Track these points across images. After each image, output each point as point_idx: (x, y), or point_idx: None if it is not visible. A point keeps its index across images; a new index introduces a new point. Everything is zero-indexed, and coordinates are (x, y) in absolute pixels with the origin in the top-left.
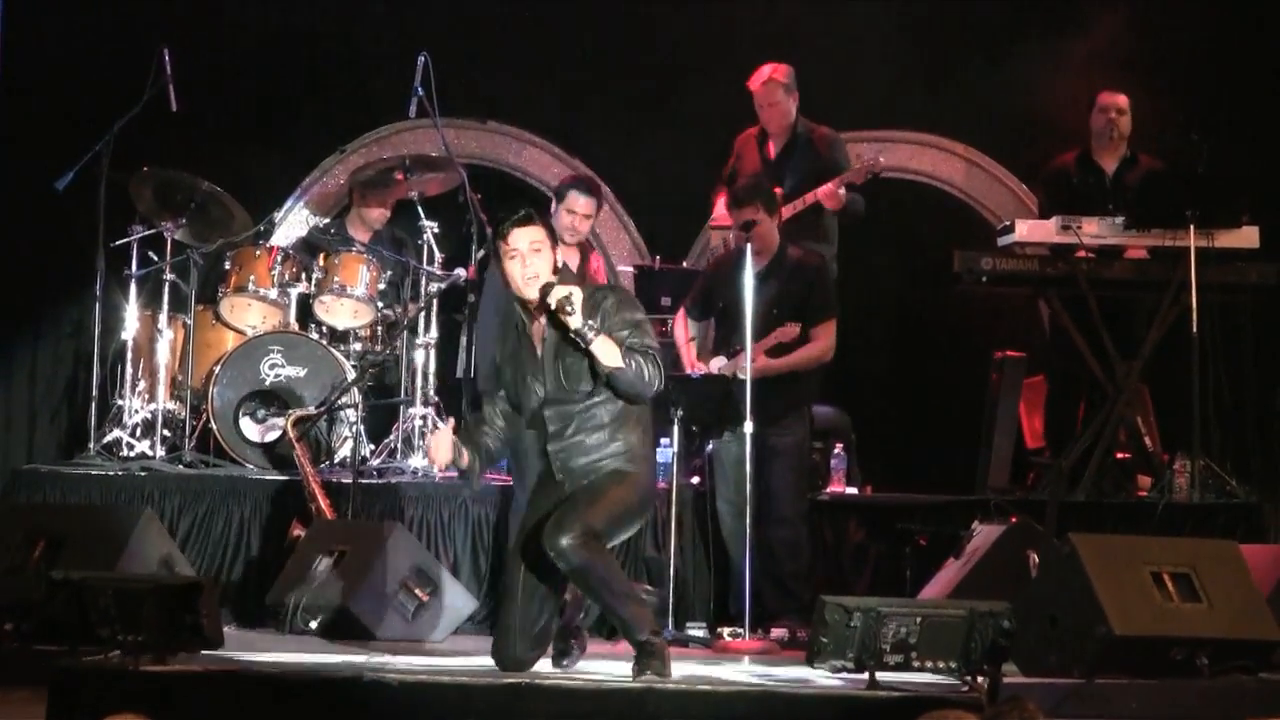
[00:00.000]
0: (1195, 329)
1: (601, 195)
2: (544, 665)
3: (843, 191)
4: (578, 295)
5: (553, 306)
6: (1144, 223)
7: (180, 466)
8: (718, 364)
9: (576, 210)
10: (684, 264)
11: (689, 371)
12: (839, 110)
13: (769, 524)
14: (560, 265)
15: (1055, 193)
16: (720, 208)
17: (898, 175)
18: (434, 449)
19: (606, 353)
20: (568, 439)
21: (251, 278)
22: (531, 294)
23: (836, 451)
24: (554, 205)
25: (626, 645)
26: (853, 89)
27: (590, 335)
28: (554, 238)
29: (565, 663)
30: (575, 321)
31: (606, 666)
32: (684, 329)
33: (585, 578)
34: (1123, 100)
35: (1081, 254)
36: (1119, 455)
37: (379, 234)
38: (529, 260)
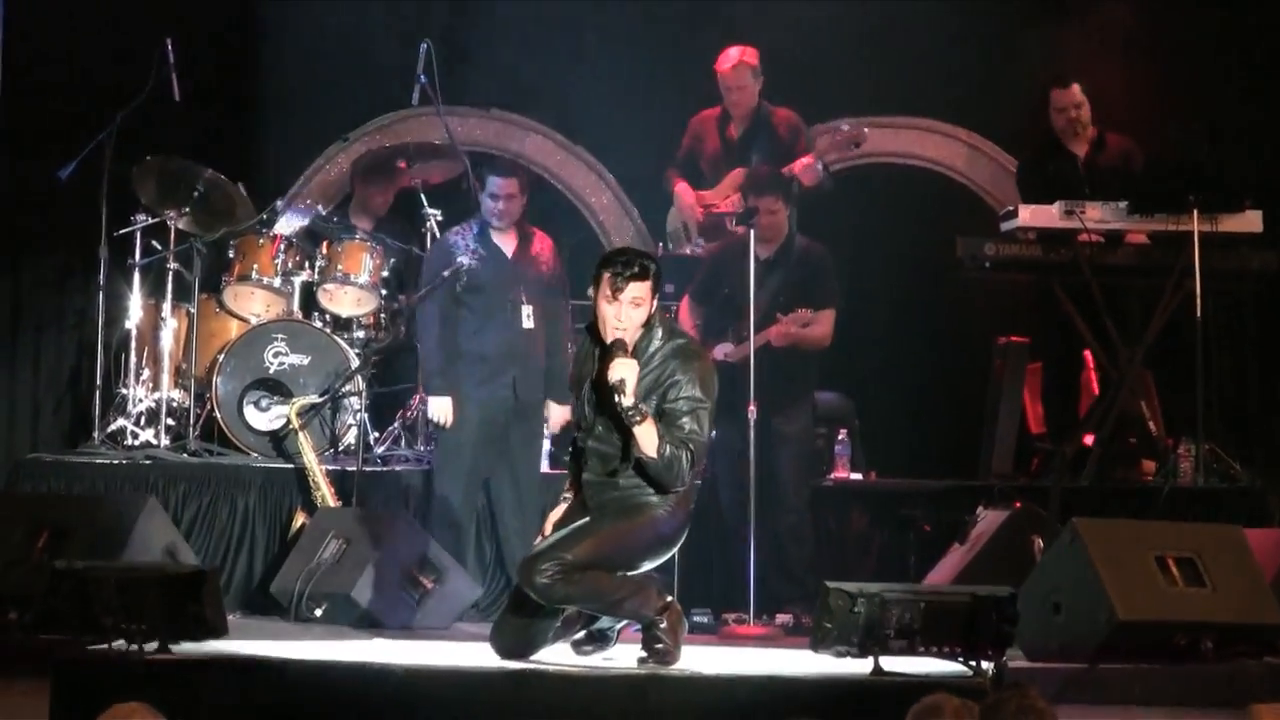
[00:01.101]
0: (1199, 313)
1: (521, 172)
2: (554, 652)
3: (820, 166)
4: (631, 377)
5: (609, 380)
6: (1147, 208)
7: (184, 455)
8: (724, 350)
9: (498, 193)
10: (686, 251)
11: None
12: (840, 95)
13: (773, 511)
14: (648, 320)
15: (1030, 183)
16: (687, 195)
17: (900, 161)
18: (546, 530)
19: (645, 439)
20: (603, 477)
21: (255, 266)
22: (607, 339)
23: (840, 438)
24: (480, 191)
25: (633, 631)
26: (854, 74)
27: (636, 419)
28: (655, 292)
29: (586, 650)
30: (626, 402)
31: (615, 653)
32: (689, 316)
33: (573, 605)
34: (1076, 93)
35: (1084, 239)
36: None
37: (381, 222)
38: (624, 312)
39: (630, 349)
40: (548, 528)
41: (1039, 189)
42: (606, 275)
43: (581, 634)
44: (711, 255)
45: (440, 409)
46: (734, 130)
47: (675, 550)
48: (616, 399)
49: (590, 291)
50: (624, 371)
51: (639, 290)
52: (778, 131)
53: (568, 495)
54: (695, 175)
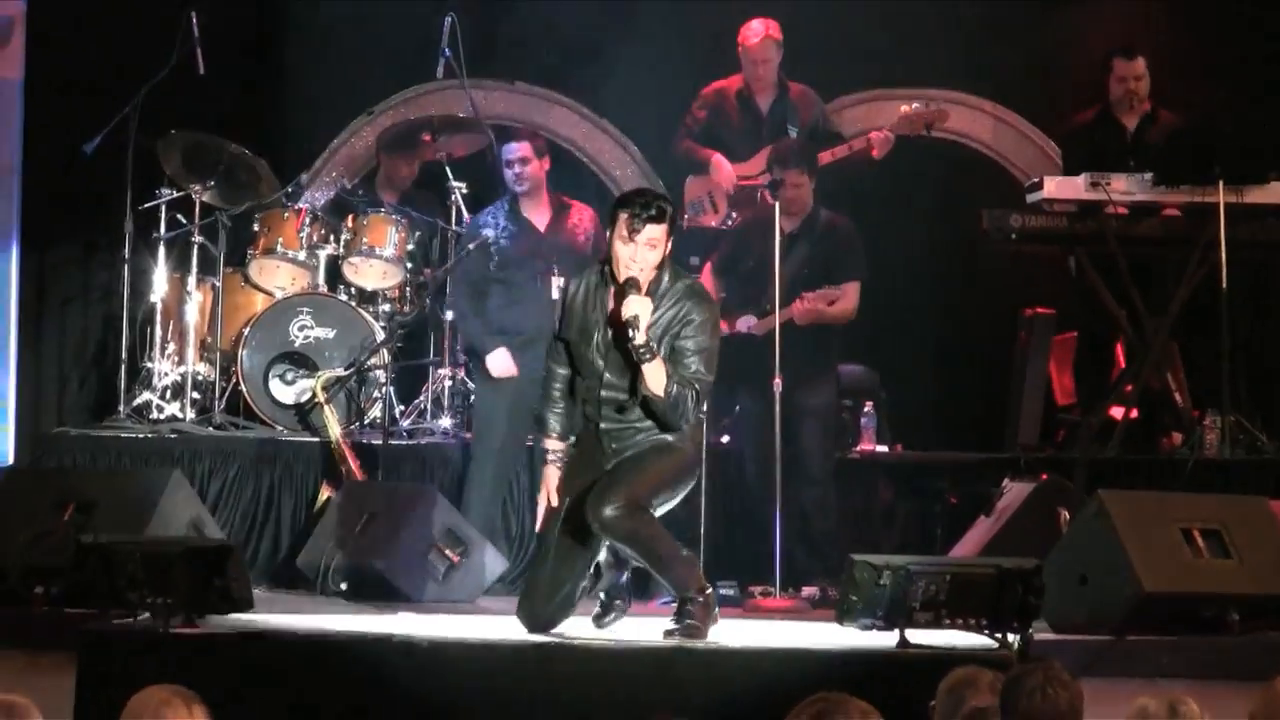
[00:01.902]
0: (1224, 285)
1: (535, 138)
2: (578, 626)
3: (894, 139)
4: (645, 315)
5: (623, 316)
6: (1172, 180)
7: (210, 429)
8: (747, 323)
9: (511, 158)
10: (712, 223)
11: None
12: (866, 68)
13: (798, 484)
14: (661, 263)
15: (1075, 151)
16: (724, 166)
17: (925, 133)
18: (552, 493)
19: (654, 378)
20: (620, 421)
21: (280, 240)
22: (620, 278)
23: (866, 410)
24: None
25: (659, 606)
26: (880, 47)
27: (646, 356)
28: (670, 235)
29: (606, 621)
30: (637, 339)
31: (640, 626)
32: (710, 288)
33: (631, 546)
34: (1140, 65)
35: (1110, 211)
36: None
37: (406, 195)
38: (639, 254)
39: (644, 289)
40: (551, 495)
41: (1085, 159)
42: (624, 216)
43: (597, 607)
44: (736, 227)
45: (499, 362)
46: (760, 104)
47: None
48: (631, 334)
49: (606, 232)
50: (638, 308)
51: (656, 232)
52: (799, 105)
53: (557, 451)
54: (716, 148)
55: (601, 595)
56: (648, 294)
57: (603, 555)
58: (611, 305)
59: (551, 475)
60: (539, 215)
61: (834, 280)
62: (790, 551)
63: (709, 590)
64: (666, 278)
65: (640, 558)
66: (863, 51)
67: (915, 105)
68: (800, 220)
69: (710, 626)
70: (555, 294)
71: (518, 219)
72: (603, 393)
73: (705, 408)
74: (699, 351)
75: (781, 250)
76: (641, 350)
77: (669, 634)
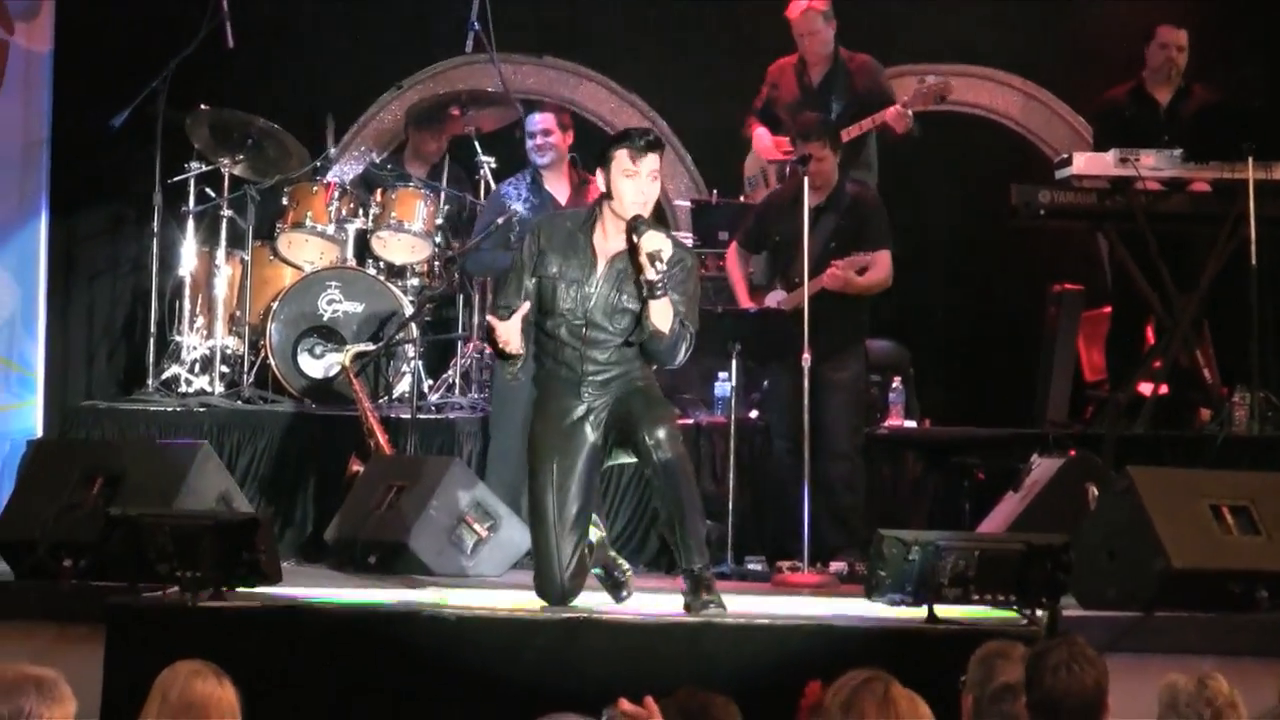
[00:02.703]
0: (1254, 261)
1: (560, 111)
2: (599, 599)
3: (910, 114)
4: (668, 250)
5: (643, 250)
6: (1201, 156)
7: (238, 402)
8: (776, 298)
9: (534, 129)
10: (740, 198)
11: (745, 306)
12: (895, 43)
13: (826, 459)
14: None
15: (1108, 126)
16: (764, 139)
17: (954, 109)
18: (510, 335)
19: (663, 314)
20: (605, 362)
21: (308, 214)
22: (628, 215)
23: (894, 385)
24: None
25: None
26: (909, 22)
27: (660, 293)
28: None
29: (624, 594)
30: (653, 274)
31: (664, 600)
32: (738, 263)
33: (681, 469)
34: (1183, 37)
35: (1140, 187)
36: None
37: (435, 169)
38: (645, 186)
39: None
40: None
41: (1118, 135)
42: (625, 150)
43: (603, 584)
44: (761, 203)
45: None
46: (812, 76)
47: None
48: (653, 268)
49: (599, 174)
50: (660, 243)
51: (656, 163)
52: (855, 77)
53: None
54: (774, 122)
55: (598, 571)
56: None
57: (594, 533)
58: (608, 244)
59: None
60: (560, 189)
61: (866, 246)
62: (818, 527)
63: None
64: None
65: (680, 490)
66: (891, 28)
67: (930, 79)
68: (826, 193)
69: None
70: None
71: (540, 191)
72: (586, 332)
73: (733, 381)
74: (686, 301)
75: (809, 224)
76: (657, 286)
77: (689, 608)
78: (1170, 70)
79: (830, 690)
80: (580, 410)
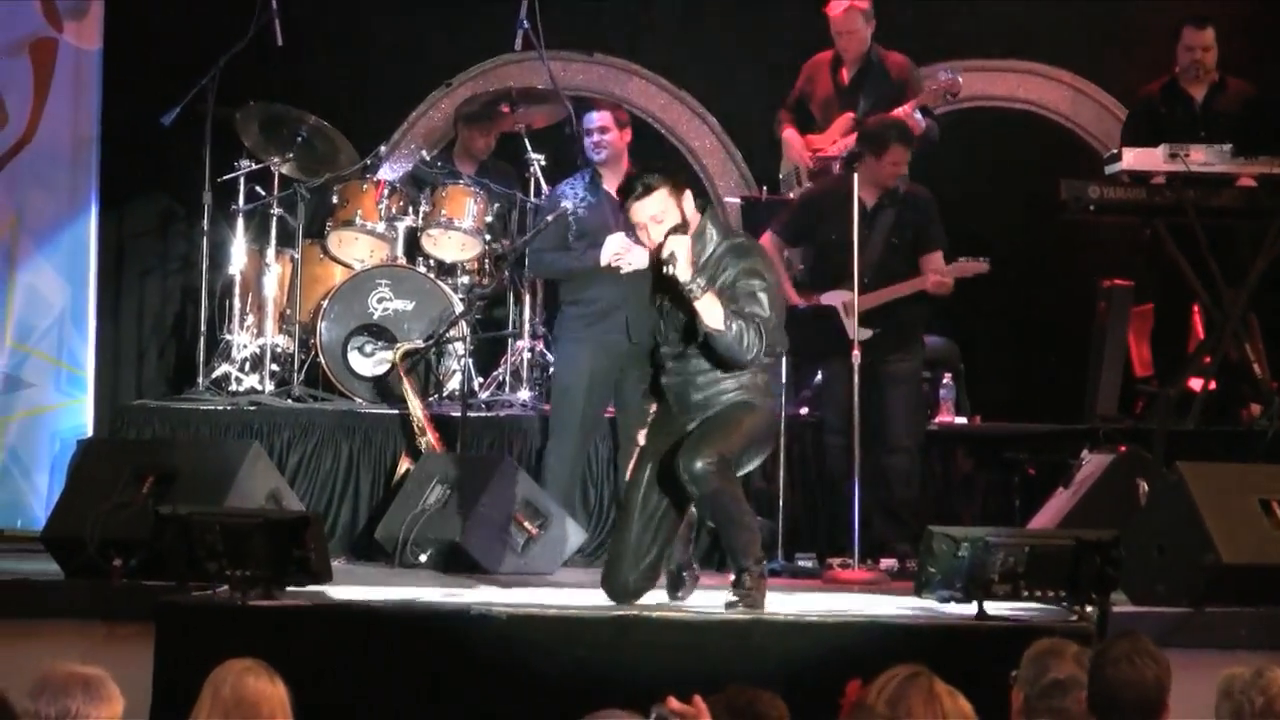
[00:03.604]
0: None
1: (616, 109)
2: (653, 597)
3: (919, 115)
4: (682, 249)
5: (662, 258)
6: (1251, 151)
7: (289, 401)
8: (840, 298)
9: (591, 126)
10: (790, 195)
11: (796, 303)
12: (942, 39)
13: (883, 452)
14: (689, 215)
15: (1140, 124)
16: (794, 140)
17: (1003, 105)
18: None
19: (709, 312)
20: (680, 376)
21: (358, 212)
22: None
23: (945, 381)
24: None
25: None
26: (957, 18)
27: (696, 292)
28: (678, 195)
29: (680, 594)
30: (682, 275)
31: (717, 598)
32: (777, 256)
33: (714, 503)
34: (1209, 36)
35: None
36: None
37: (485, 167)
38: (651, 232)
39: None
40: (640, 436)
41: (1148, 133)
42: (624, 213)
43: (666, 581)
44: (805, 196)
45: (616, 242)
46: (845, 74)
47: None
48: (671, 272)
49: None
50: (674, 246)
51: (649, 207)
52: (889, 75)
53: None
54: (805, 118)
55: (671, 569)
56: (694, 263)
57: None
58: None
59: (641, 431)
60: (615, 187)
61: (921, 250)
62: (870, 521)
63: (764, 561)
64: (714, 238)
65: (719, 517)
66: (938, 22)
67: (942, 76)
68: (881, 192)
69: (762, 596)
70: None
71: (597, 190)
72: (664, 349)
73: (784, 378)
74: (750, 293)
75: (863, 222)
76: (690, 287)
77: (731, 605)
78: (1198, 70)
79: (873, 688)
80: (684, 424)
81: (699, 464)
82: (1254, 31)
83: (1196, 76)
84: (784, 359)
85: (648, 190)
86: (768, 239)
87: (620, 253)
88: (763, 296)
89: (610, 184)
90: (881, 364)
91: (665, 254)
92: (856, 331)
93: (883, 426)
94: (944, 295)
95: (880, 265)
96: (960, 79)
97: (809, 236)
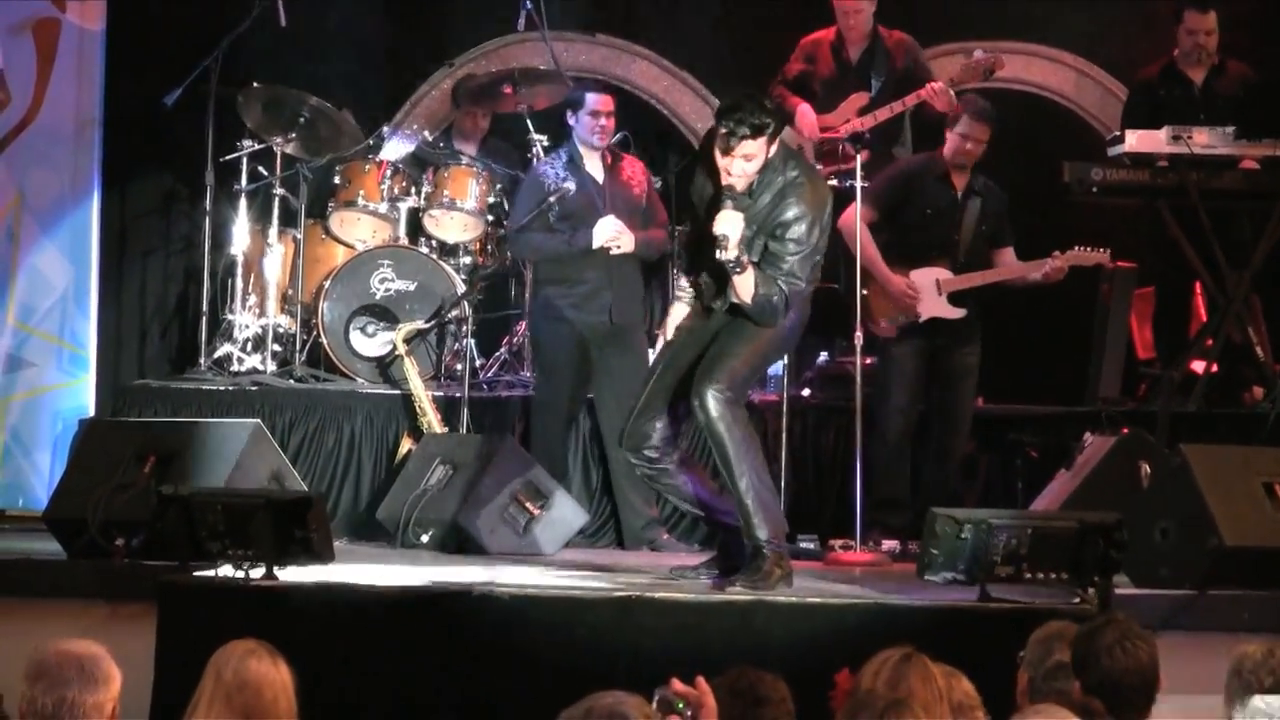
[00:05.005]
0: None
1: (610, 91)
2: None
3: (950, 91)
4: (735, 233)
5: (714, 232)
6: (1254, 133)
7: (290, 381)
8: (941, 275)
9: (599, 109)
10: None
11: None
12: (949, 20)
13: (949, 435)
14: (766, 162)
15: (1139, 107)
16: (808, 115)
17: (1008, 86)
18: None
19: (743, 288)
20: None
21: (361, 192)
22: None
23: None
24: (573, 115)
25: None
26: (962, 0)
27: (737, 270)
28: (773, 141)
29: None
30: (728, 256)
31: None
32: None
33: (718, 433)
34: (1211, 20)
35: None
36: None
37: (486, 146)
38: (735, 166)
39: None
40: (669, 327)
41: (1147, 115)
42: (721, 130)
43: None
44: (896, 171)
45: (608, 226)
46: (850, 54)
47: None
48: (719, 252)
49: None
50: (727, 227)
51: (750, 148)
52: (893, 55)
53: (684, 289)
54: (807, 98)
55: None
56: (750, 192)
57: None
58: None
59: (676, 312)
60: (597, 168)
61: (997, 243)
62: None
63: (783, 551)
64: (775, 169)
65: (723, 453)
66: (944, 4)
67: (978, 54)
68: (969, 176)
69: (778, 578)
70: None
71: (579, 171)
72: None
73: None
74: (795, 254)
75: (959, 206)
76: (731, 265)
77: (731, 582)
78: (1200, 54)
79: (866, 672)
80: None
81: (709, 391)
82: (1250, 14)
83: (1198, 60)
84: None
85: (757, 131)
86: (856, 214)
87: (614, 235)
88: (804, 261)
89: (590, 165)
90: (955, 351)
91: (718, 231)
92: (946, 309)
93: (951, 412)
94: (1053, 283)
95: (971, 248)
96: (1003, 57)
97: (898, 211)
